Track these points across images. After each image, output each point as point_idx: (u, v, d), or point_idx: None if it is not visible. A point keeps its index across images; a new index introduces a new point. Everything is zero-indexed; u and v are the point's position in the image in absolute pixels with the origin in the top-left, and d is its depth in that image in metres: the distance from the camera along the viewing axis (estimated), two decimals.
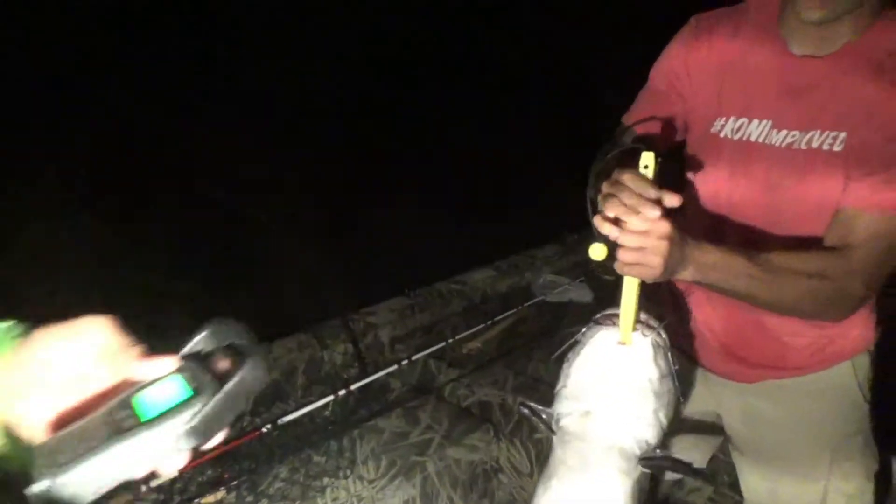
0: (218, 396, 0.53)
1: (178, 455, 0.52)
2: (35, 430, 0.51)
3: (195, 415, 0.52)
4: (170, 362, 0.55)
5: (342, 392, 2.06)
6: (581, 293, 3.36)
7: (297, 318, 2.92)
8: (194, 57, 5.12)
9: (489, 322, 2.95)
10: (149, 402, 0.53)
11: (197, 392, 0.53)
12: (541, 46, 5.85)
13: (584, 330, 0.99)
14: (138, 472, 0.51)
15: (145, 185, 4.06)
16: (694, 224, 1.18)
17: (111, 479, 0.50)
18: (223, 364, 0.55)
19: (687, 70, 1.15)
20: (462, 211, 4.46)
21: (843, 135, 1.00)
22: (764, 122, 1.07)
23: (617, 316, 0.95)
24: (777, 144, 1.06)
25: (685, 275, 0.93)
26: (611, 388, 0.92)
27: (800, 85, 1.04)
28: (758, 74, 1.08)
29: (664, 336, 0.97)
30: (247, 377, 0.55)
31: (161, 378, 0.54)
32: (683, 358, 1.24)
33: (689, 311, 1.26)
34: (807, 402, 1.21)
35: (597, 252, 0.91)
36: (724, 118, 1.12)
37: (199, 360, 0.56)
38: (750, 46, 1.09)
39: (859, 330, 1.18)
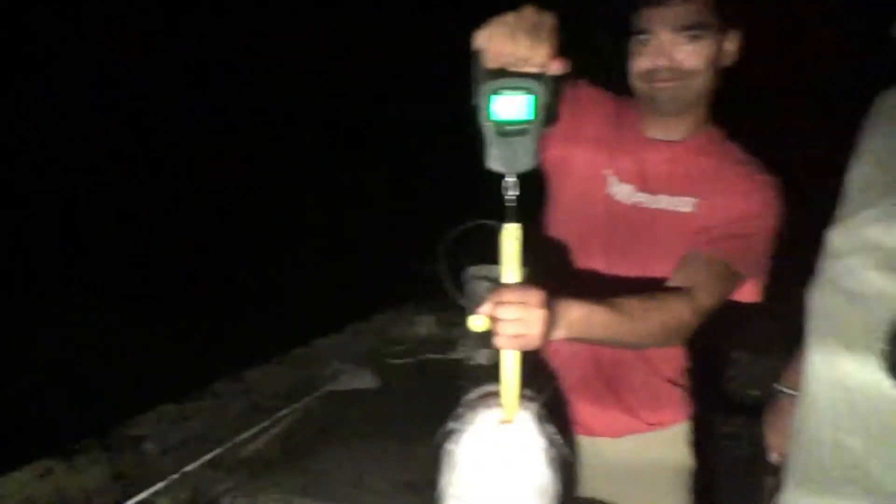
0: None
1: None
2: None
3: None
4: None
5: None
6: (365, 380, 3.28)
7: (38, 442, 2.43)
8: None
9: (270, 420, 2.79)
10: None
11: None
12: None
13: (457, 415, 0.89)
14: None
15: None
16: (567, 265, 1.31)
17: None
18: None
19: (578, 108, 1.29)
20: (237, 305, 4.20)
21: (694, 200, 1.20)
22: (626, 184, 1.27)
23: (489, 395, 0.90)
24: (629, 203, 1.25)
25: (557, 334, 0.93)
26: (504, 473, 0.85)
27: (652, 160, 1.26)
28: (623, 143, 1.29)
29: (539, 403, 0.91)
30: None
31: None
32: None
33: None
34: (657, 454, 1.32)
35: (478, 324, 0.86)
36: (610, 169, 1.28)
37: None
38: (620, 122, 1.30)
39: (683, 398, 1.34)
